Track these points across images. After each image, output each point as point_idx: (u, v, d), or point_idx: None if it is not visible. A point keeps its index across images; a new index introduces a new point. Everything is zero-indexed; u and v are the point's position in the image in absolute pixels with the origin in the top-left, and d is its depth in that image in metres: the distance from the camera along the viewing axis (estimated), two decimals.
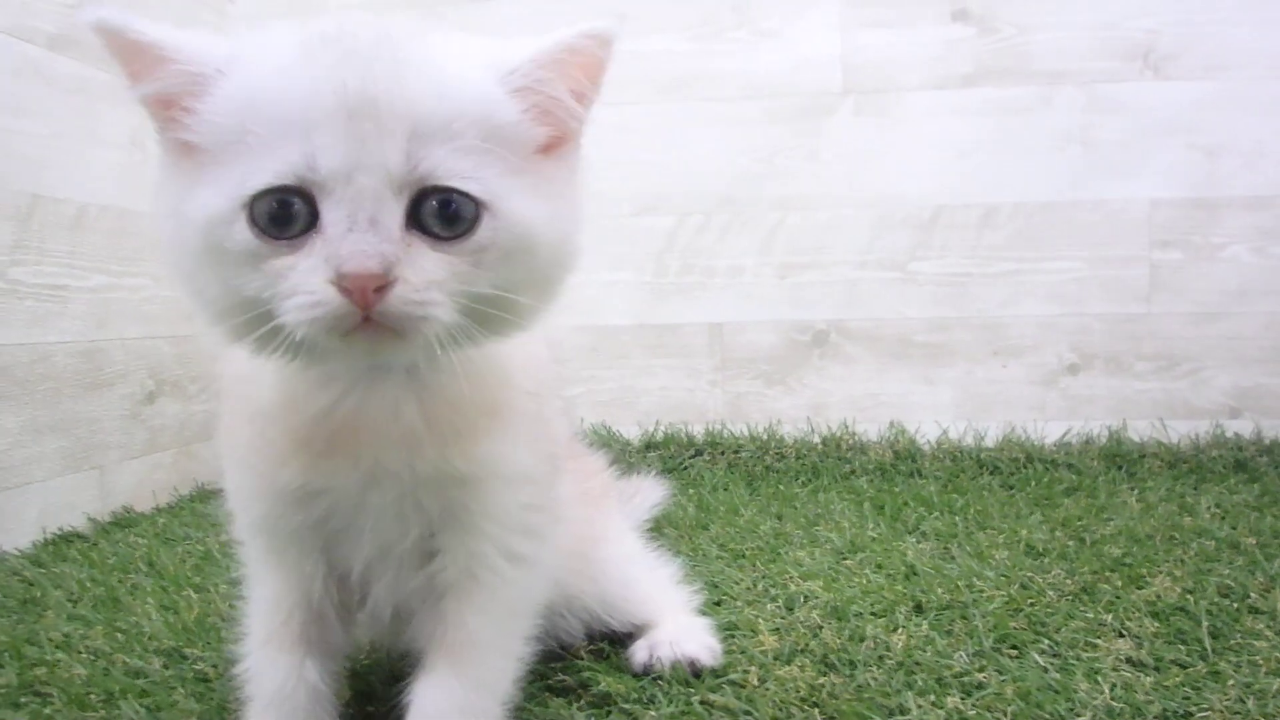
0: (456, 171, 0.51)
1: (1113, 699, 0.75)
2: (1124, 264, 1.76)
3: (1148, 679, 0.79)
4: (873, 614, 0.98)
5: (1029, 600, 0.99)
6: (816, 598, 1.03)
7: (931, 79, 1.79)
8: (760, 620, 0.96)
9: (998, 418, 1.79)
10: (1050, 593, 1.01)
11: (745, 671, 0.83)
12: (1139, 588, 1.02)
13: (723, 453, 1.78)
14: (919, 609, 0.99)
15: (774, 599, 1.04)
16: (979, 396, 1.80)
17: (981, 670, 0.82)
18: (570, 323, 1.82)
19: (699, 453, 1.80)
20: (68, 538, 1.40)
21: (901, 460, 1.72)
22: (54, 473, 1.39)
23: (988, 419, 1.79)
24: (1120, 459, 1.65)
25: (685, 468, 1.76)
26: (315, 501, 0.62)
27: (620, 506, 1.00)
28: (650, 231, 1.85)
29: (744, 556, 1.23)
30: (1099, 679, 0.78)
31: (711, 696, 0.78)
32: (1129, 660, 0.84)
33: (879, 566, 1.14)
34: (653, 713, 0.76)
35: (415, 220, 0.51)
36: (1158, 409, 1.74)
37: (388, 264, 0.49)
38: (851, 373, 1.82)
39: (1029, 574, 1.07)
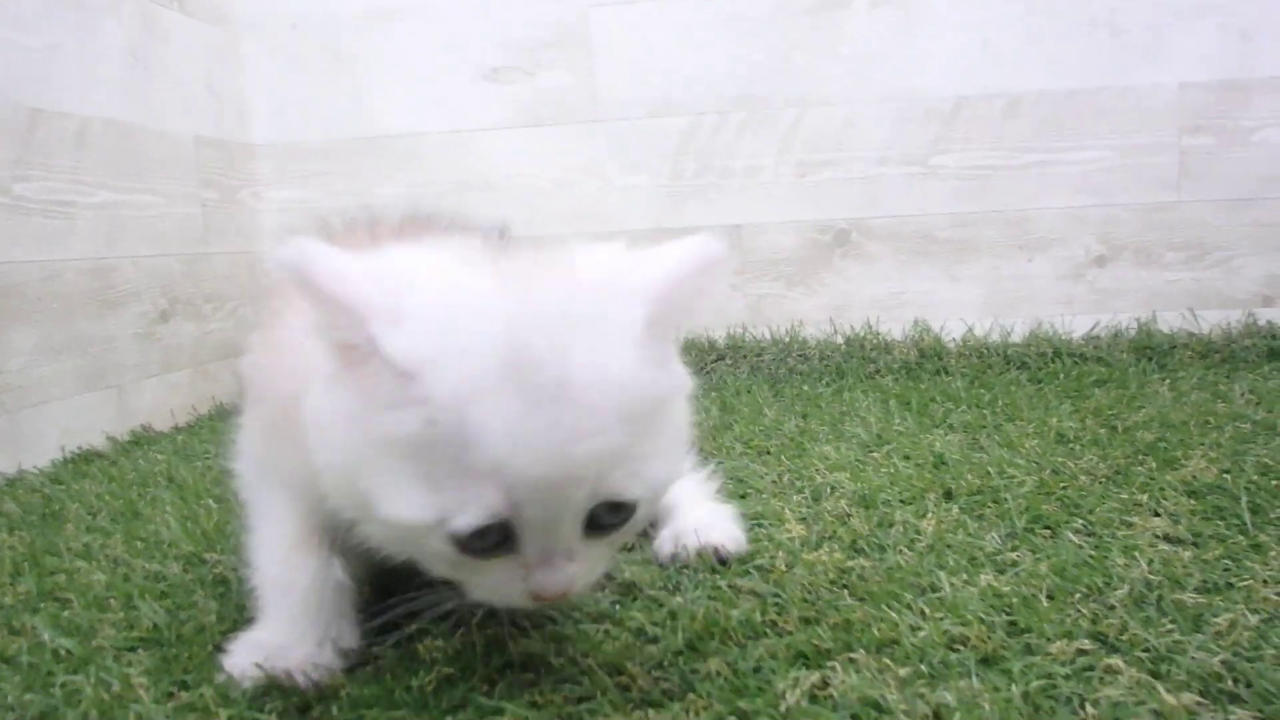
0: (626, 482, 0.52)
1: (1150, 572, 0.71)
2: (1153, 151, 1.66)
3: (1186, 553, 0.75)
4: (901, 501, 0.94)
5: (1061, 484, 0.94)
6: (843, 488, 0.99)
7: None
8: (787, 510, 0.93)
9: (1024, 313, 1.72)
10: (1083, 477, 0.97)
11: (773, 558, 0.79)
12: (1174, 469, 0.97)
13: (745, 356, 1.74)
14: (948, 495, 0.95)
15: (800, 490, 1.00)
16: (1005, 292, 1.73)
17: (1014, 550, 0.78)
18: (590, 229, 1.77)
19: (720, 357, 1.75)
20: (87, 456, 1.38)
21: (927, 359, 1.67)
22: (72, 391, 1.37)
23: (1014, 315, 1.73)
24: (1150, 350, 1.58)
25: (707, 372, 1.71)
26: None
27: None
28: (665, 133, 1.77)
29: (769, 453, 1.19)
30: (1136, 554, 0.74)
31: (738, 581, 0.75)
32: (1166, 537, 0.80)
33: (906, 457, 1.10)
34: (679, 598, 0.73)
35: (590, 521, 0.53)
36: (1188, 299, 1.67)
37: (574, 581, 0.53)
38: (874, 272, 1.76)
39: (1061, 460, 1.02)
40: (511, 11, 1.78)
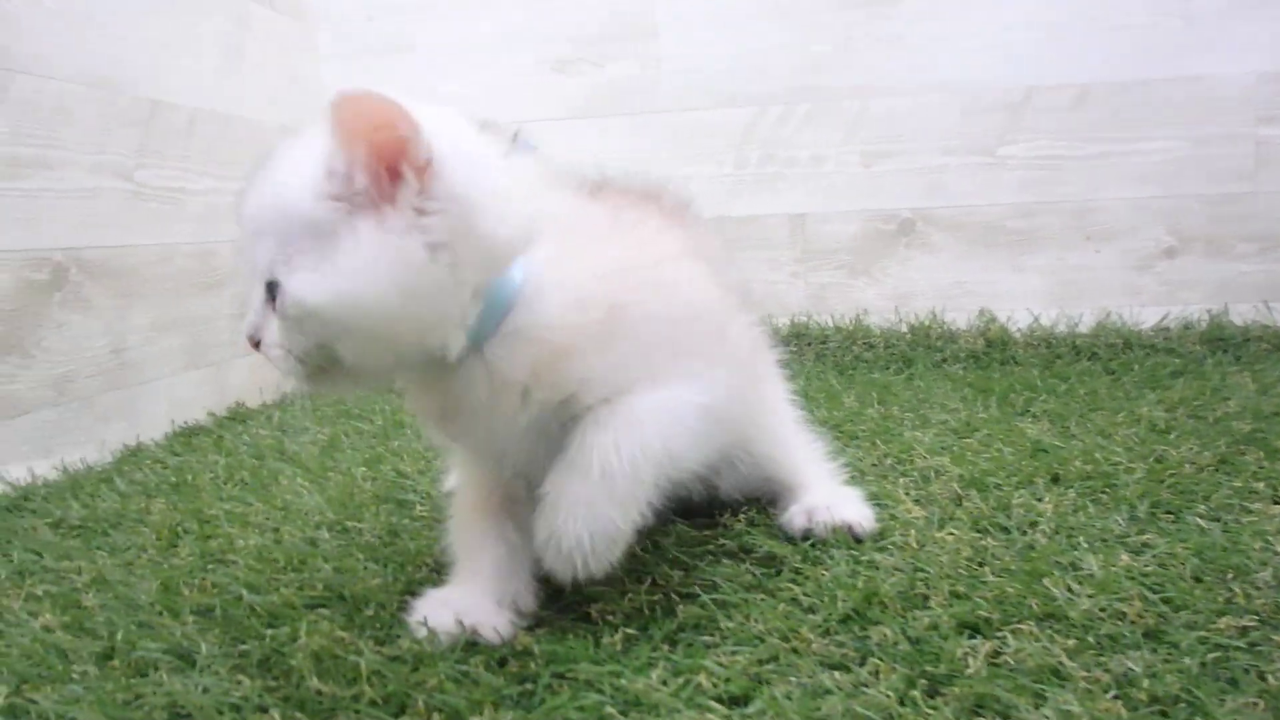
0: (267, 265, 0.62)
1: None
2: (1226, 142, 1.67)
3: None
4: (1011, 485, 0.97)
5: (1168, 472, 0.96)
6: (948, 471, 1.02)
7: None
8: (900, 492, 0.95)
9: (1090, 304, 1.74)
10: (1187, 466, 0.98)
11: (903, 536, 0.82)
12: None
13: (809, 344, 1.76)
14: (1056, 480, 0.98)
15: (905, 474, 1.03)
16: (1070, 283, 1.75)
17: (1141, 534, 0.80)
18: None
19: (784, 344, 1.77)
20: (193, 431, 1.42)
21: (994, 348, 1.68)
22: (178, 369, 1.41)
23: (1079, 306, 1.74)
24: (1223, 342, 1.60)
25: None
26: (463, 443, 0.73)
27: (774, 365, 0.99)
28: (728, 124, 1.79)
29: (857, 438, 1.21)
30: (1268, 539, 0.77)
31: (877, 557, 0.78)
32: None
33: (1002, 443, 1.12)
34: (824, 572, 0.76)
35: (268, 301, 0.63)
36: (1261, 292, 1.68)
37: (253, 330, 0.64)
38: (937, 261, 1.78)
39: (1160, 448, 1.04)
40: (580, 4, 1.80)
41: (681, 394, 0.66)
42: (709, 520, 0.89)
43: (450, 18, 1.84)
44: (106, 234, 1.25)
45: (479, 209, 0.62)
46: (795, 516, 0.85)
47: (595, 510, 0.62)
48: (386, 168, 0.59)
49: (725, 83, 1.78)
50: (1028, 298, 1.76)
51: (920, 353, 1.69)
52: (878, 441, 1.17)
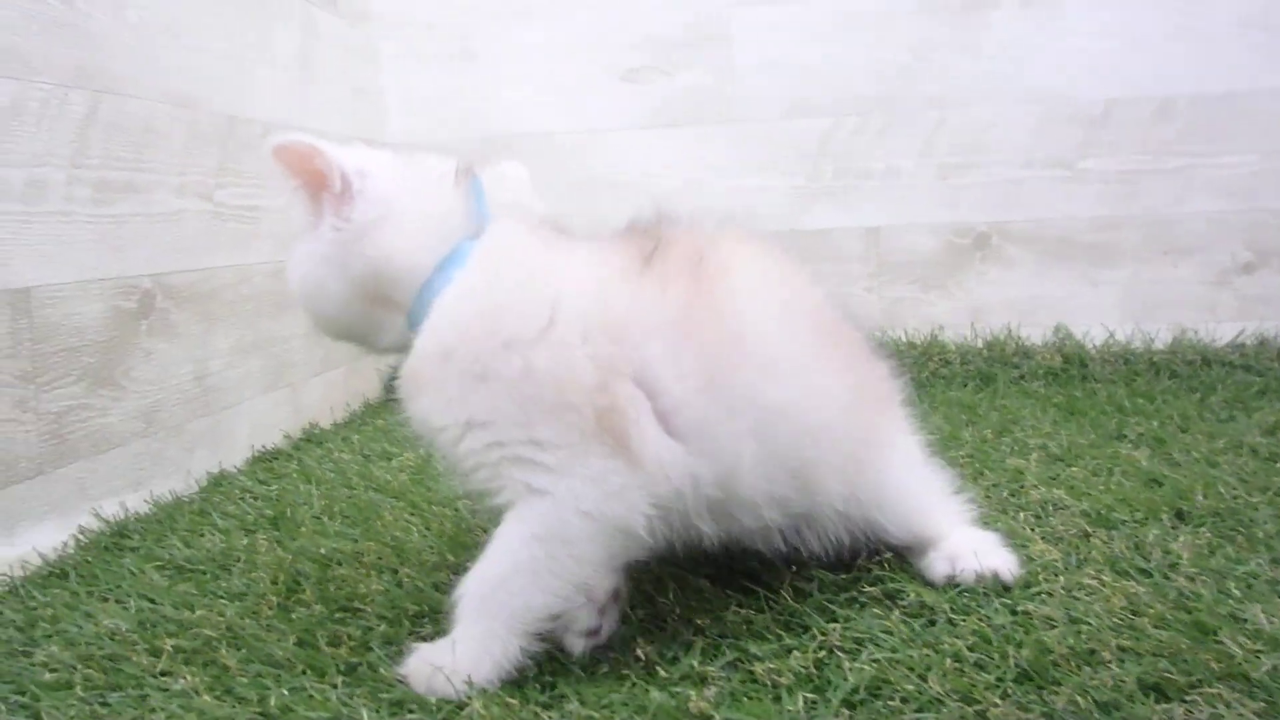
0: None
1: None
2: None
3: None
4: (1136, 521, 0.95)
5: None
6: (1067, 505, 1.00)
7: None
8: (1025, 529, 0.93)
9: (1165, 319, 1.71)
10: None
11: (1049, 581, 0.80)
12: None
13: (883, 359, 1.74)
14: (1181, 516, 0.96)
15: (1022, 507, 1.01)
16: (1145, 297, 1.72)
17: None
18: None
19: None
20: (272, 455, 1.41)
21: (1072, 365, 1.66)
22: (257, 392, 1.40)
23: (1154, 320, 1.72)
24: None
25: None
26: None
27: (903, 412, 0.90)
28: (803, 134, 1.77)
29: (959, 464, 1.19)
30: None
31: (1030, 606, 0.76)
32: None
33: (1108, 472, 1.10)
34: (981, 623, 0.74)
35: None
36: None
37: None
38: (1012, 276, 1.75)
39: (1276, 480, 1.02)
40: (651, 12, 1.78)
41: (513, 529, 0.68)
42: (843, 562, 0.87)
43: (515, 25, 1.82)
44: (190, 258, 1.24)
45: (381, 231, 0.72)
46: (936, 562, 0.83)
47: (454, 648, 0.67)
48: (312, 195, 0.73)
49: (799, 93, 1.75)
50: (1103, 312, 1.73)
51: (999, 369, 1.67)
52: (984, 470, 1.15)
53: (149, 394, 1.17)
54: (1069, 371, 1.66)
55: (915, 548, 0.86)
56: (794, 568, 0.84)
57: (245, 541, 1.05)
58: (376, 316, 0.74)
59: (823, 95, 1.75)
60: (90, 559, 1.02)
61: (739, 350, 0.72)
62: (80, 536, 1.06)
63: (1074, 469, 1.13)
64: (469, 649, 0.66)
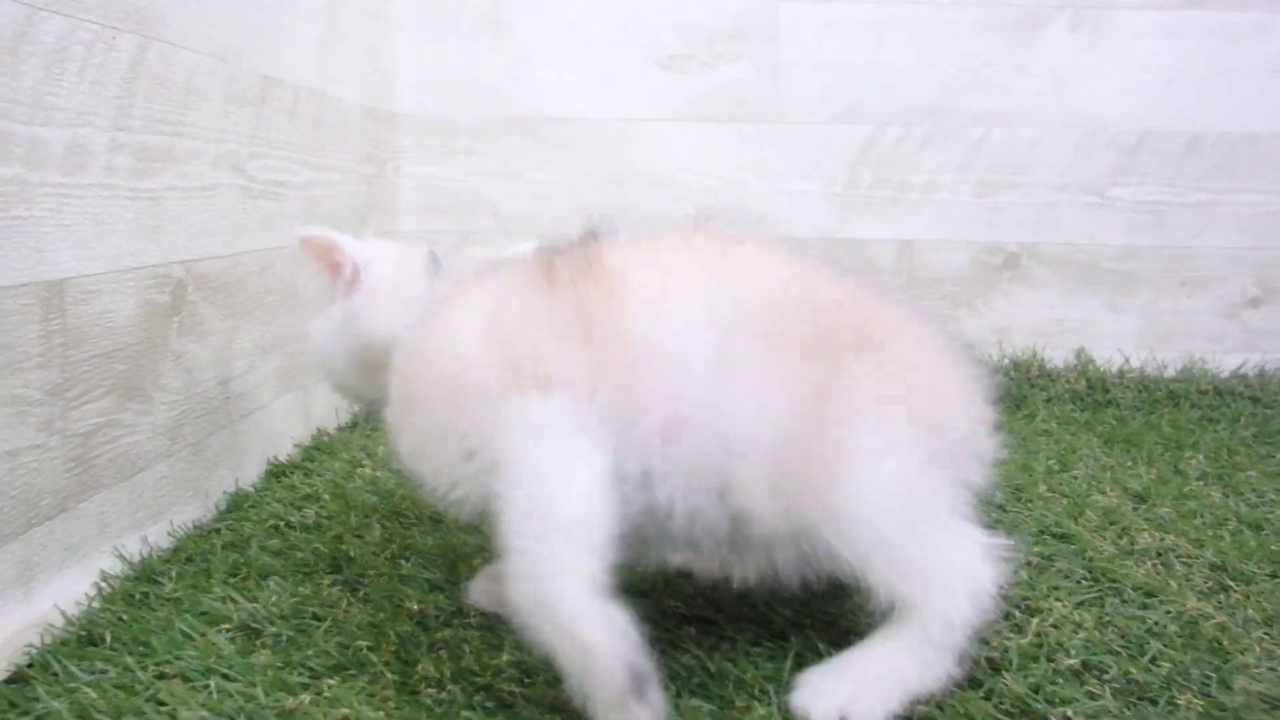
0: None
1: None
2: None
3: None
4: (1266, 574, 0.91)
5: None
6: (1187, 553, 0.96)
7: None
8: (1171, 582, 0.88)
9: (1178, 348, 1.72)
10: None
11: (1244, 638, 0.74)
12: None
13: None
14: None
15: (1137, 555, 0.95)
16: (1161, 326, 1.73)
17: None
18: (759, 233, 1.66)
19: None
20: (287, 468, 1.20)
21: (1095, 389, 1.65)
22: (273, 395, 1.19)
23: (1167, 349, 1.73)
24: None
25: None
26: None
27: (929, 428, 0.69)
28: (845, 140, 1.67)
29: (1043, 500, 1.13)
30: None
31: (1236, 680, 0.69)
32: None
33: (1196, 514, 1.07)
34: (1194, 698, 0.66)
35: None
36: None
37: None
38: (1039, 297, 1.72)
39: None
40: None
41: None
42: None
43: None
44: (220, 241, 1.02)
45: (372, 309, 0.83)
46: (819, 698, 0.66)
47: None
48: (330, 277, 0.85)
49: (844, 96, 1.65)
50: (1121, 338, 1.73)
51: (1029, 390, 1.64)
52: (1082, 509, 1.09)
53: (176, 405, 0.95)
54: (1093, 396, 1.64)
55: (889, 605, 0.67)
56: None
57: (308, 589, 0.87)
58: (372, 378, 0.81)
59: (868, 101, 1.66)
60: (125, 616, 0.81)
61: (634, 348, 0.68)
62: (103, 584, 0.85)
63: (1162, 508, 1.10)
64: None
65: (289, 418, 1.24)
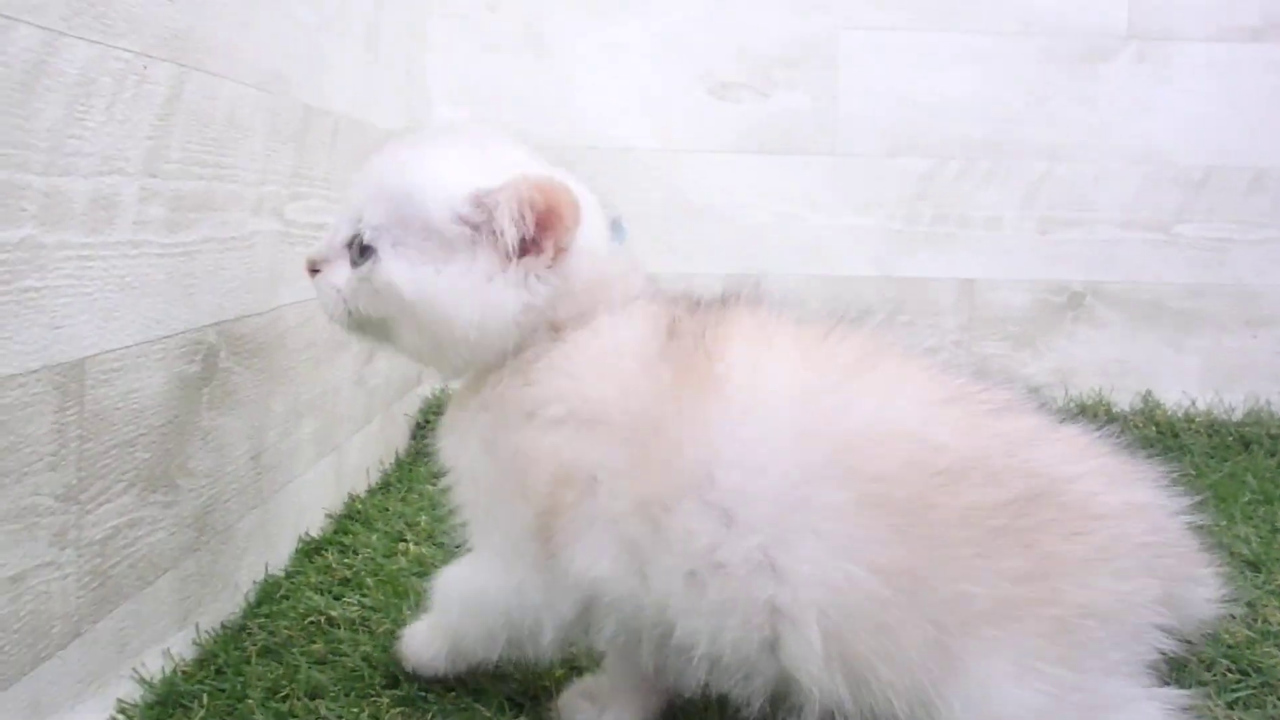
0: (370, 226, 0.65)
1: None
2: None
3: None
4: None
5: None
6: None
7: (1217, 30, 1.53)
8: None
9: (1243, 389, 1.62)
10: None
11: None
12: None
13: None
14: None
15: (1270, 636, 0.84)
16: (1225, 366, 1.62)
17: None
18: (809, 271, 1.53)
19: None
20: (320, 546, 1.04)
21: (1164, 434, 1.53)
22: (307, 463, 1.03)
23: (1232, 390, 1.62)
24: None
25: None
26: None
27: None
28: (903, 173, 1.55)
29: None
30: None
31: None
32: None
33: None
34: None
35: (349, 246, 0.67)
36: None
37: (316, 258, 0.69)
38: (1101, 337, 1.61)
39: None
40: (750, 22, 1.50)
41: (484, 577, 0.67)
42: None
43: (590, 16, 1.49)
44: (258, 297, 0.86)
45: (574, 296, 0.66)
46: None
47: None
48: (534, 238, 0.64)
49: (904, 129, 1.53)
50: (1184, 378, 1.62)
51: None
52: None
53: (204, 491, 0.80)
54: (1164, 441, 1.52)
55: None
56: None
57: (366, 712, 0.72)
58: (486, 351, 0.66)
59: (928, 133, 1.54)
60: None
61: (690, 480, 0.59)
62: (121, 717, 0.69)
63: None
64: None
65: (321, 485, 1.08)
